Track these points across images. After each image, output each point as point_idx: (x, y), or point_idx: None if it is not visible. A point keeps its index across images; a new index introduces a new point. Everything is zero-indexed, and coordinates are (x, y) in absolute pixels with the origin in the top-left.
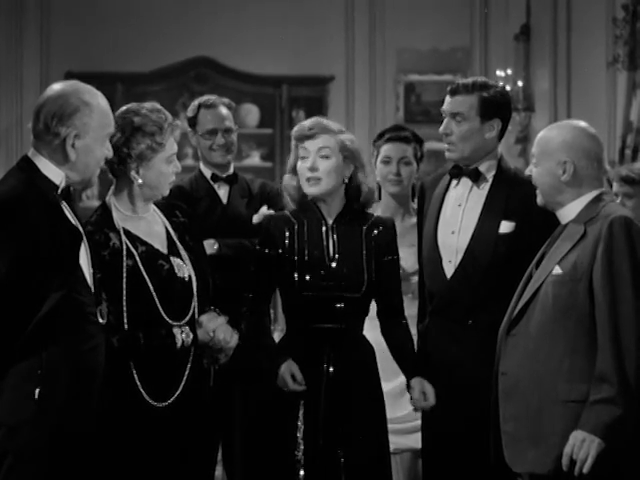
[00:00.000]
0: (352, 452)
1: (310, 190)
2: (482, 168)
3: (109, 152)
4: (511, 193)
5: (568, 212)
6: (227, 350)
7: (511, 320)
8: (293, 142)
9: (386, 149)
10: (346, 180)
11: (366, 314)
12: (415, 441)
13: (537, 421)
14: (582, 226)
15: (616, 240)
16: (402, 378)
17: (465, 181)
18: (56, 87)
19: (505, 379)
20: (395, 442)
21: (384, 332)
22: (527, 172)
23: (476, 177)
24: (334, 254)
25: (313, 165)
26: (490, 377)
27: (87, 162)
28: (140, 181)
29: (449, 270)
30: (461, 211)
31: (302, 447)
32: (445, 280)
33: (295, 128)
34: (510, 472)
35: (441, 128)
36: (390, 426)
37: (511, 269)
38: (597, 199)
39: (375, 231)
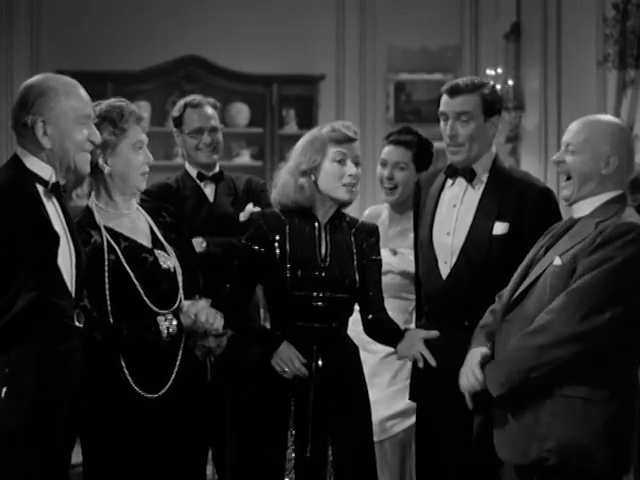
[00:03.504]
0: (340, 446)
1: (347, 197)
2: (477, 168)
3: (96, 138)
4: (505, 194)
5: (584, 206)
6: (219, 339)
7: (507, 306)
8: (322, 142)
9: (385, 151)
10: None
11: (351, 314)
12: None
13: (526, 410)
14: (593, 225)
15: (614, 249)
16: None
17: (460, 181)
18: (25, 82)
19: None
20: None
21: (368, 329)
22: (555, 159)
23: (471, 177)
24: (326, 255)
25: (355, 172)
26: None
27: (65, 147)
28: (108, 169)
29: (444, 271)
30: (456, 212)
31: (293, 446)
32: (441, 281)
33: (332, 129)
34: (493, 457)
35: (447, 131)
36: None
37: (506, 270)
38: (616, 200)
39: (362, 234)
